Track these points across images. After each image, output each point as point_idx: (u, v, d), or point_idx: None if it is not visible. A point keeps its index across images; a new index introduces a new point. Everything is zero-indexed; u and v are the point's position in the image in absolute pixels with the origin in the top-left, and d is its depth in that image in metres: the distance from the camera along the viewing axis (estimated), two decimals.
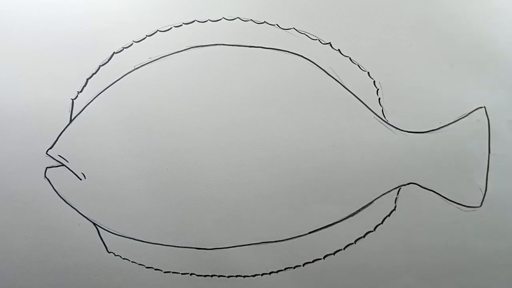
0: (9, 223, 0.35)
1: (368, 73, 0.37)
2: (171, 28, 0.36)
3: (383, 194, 0.36)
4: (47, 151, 0.35)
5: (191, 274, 0.35)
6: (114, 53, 0.36)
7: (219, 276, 0.35)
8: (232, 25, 0.36)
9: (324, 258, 0.37)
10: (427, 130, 0.37)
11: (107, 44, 0.36)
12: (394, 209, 0.36)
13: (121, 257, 0.35)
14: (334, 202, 0.36)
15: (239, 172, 0.36)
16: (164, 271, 0.35)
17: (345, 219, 0.36)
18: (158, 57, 0.36)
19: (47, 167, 0.35)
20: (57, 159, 0.35)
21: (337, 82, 0.36)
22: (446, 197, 0.36)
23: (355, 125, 0.36)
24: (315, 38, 0.37)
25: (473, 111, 0.37)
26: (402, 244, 0.36)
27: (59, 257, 0.35)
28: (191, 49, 0.36)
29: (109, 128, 0.35)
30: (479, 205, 0.36)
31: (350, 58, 0.37)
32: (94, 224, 0.35)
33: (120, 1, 0.37)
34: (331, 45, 0.37)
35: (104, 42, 0.36)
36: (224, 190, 0.36)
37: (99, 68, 0.36)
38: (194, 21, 0.37)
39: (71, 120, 0.36)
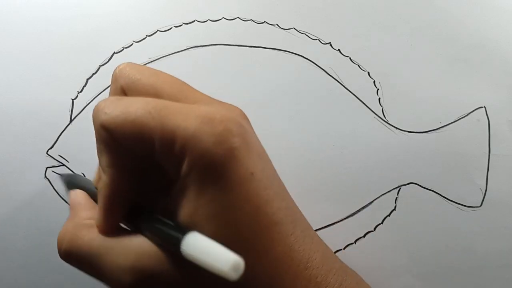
0: (9, 223, 0.35)
1: (368, 73, 0.37)
2: (171, 28, 0.36)
3: (383, 194, 0.36)
4: (47, 151, 0.35)
5: None
6: (114, 53, 0.36)
7: None
8: (232, 25, 0.36)
9: None
10: (427, 130, 0.37)
11: (107, 44, 0.36)
12: (394, 209, 0.36)
13: None
14: (334, 202, 0.36)
15: None
16: None
17: (345, 219, 0.36)
18: (158, 57, 0.36)
19: (47, 167, 0.35)
20: (57, 159, 0.35)
21: (337, 82, 0.36)
22: (446, 197, 0.36)
23: (355, 125, 0.36)
24: (315, 38, 0.37)
25: (473, 111, 0.37)
26: (402, 244, 0.36)
27: (59, 257, 0.35)
28: (191, 49, 0.36)
29: None
30: (479, 205, 0.36)
31: (350, 58, 0.37)
32: None
33: (120, 1, 0.37)
34: (331, 45, 0.37)
35: (104, 42, 0.36)
36: None
37: (99, 68, 0.36)
38: (194, 21, 0.37)
39: (71, 120, 0.36)
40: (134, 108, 0.22)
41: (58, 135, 0.36)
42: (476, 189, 0.36)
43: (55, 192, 0.35)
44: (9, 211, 0.35)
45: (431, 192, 0.36)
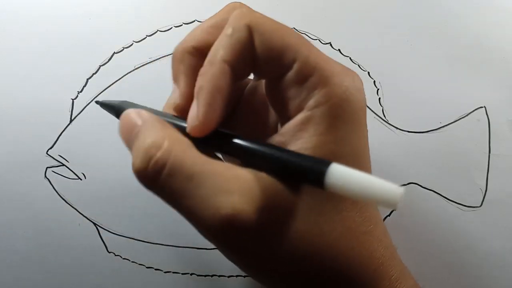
0: (9, 223, 0.35)
1: (368, 73, 0.37)
2: (171, 28, 0.36)
3: None
4: (47, 151, 0.35)
5: (191, 274, 0.35)
6: (114, 53, 0.36)
7: (219, 276, 0.35)
8: None
9: None
10: (427, 130, 0.37)
11: (107, 44, 0.36)
12: (394, 209, 0.36)
13: (121, 257, 0.35)
14: None
15: None
16: (164, 271, 0.35)
17: None
18: (158, 57, 0.36)
19: (47, 167, 0.35)
20: (57, 159, 0.35)
21: None
22: (446, 197, 0.36)
23: None
24: (315, 38, 0.37)
25: (473, 111, 0.37)
26: (402, 244, 0.36)
27: (59, 257, 0.35)
28: None
29: (110, 128, 0.35)
30: (479, 205, 0.36)
31: (350, 58, 0.37)
32: (94, 224, 0.35)
33: (120, 1, 0.37)
34: (331, 45, 0.37)
35: (104, 42, 0.36)
36: None
37: (99, 68, 0.36)
38: (194, 21, 0.37)
39: (71, 120, 0.36)
40: (285, 27, 0.22)
41: (58, 135, 0.36)
42: (476, 189, 0.36)
43: (55, 192, 0.35)
44: (9, 211, 0.35)
45: (431, 192, 0.36)
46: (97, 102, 0.28)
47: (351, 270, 0.21)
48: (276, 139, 0.22)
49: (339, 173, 0.18)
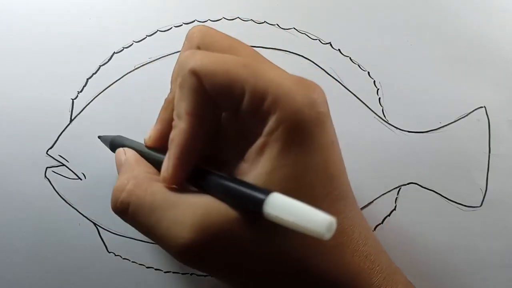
0: (9, 223, 0.35)
1: (368, 73, 0.37)
2: (171, 28, 0.36)
3: (383, 194, 0.36)
4: (47, 151, 0.35)
5: (191, 274, 0.35)
6: (114, 53, 0.36)
7: None
8: (232, 25, 0.36)
9: None
10: (427, 130, 0.37)
11: (107, 44, 0.36)
12: (394, 209, 0.36)
13: (121, 257, 0.35)
14: None
15: None
16: (164, 271, 0.35)
17: None
18: (158, 57, 0.36)
19: (47, 167, 0.35)
20: (57, 159, 0.35)
21: (337, 82, 0.36)
22: (446, 197, 0.36)
23: (355, 125, 0.36)
24: (315, 38, 0.37)
25: (473, 111, 0.37)
26: (402, 244, 0.36)
27: (59, 257, 0.35)
28: None
29: (109, 128, 0.35)
30: (479, 205, 0.36)
31: (350, 58, 0.37)
32: (94, 224, 0.35)
33: (121, 1, 0.37)
34: (331, 45, 0.37)
35: (104, 42, 0.36)
36: None
37: (99, 68, 0.36)
38: (194, 21, 0.37)
39: (71, 120, 0.36)
40: (228, 60, 0.22)
41: (58, 135, 0.36)
42: (476, 189, 0.36)
43: (55, 192, 0.35)
44: (9, 211, 0.35)
45: (431, 192, 0.36)
46: (99, 137, 0.34)
47: (322, 283, 0.22)
48: (241, 165, 0.23)
49: (276, 203, 0.18)
